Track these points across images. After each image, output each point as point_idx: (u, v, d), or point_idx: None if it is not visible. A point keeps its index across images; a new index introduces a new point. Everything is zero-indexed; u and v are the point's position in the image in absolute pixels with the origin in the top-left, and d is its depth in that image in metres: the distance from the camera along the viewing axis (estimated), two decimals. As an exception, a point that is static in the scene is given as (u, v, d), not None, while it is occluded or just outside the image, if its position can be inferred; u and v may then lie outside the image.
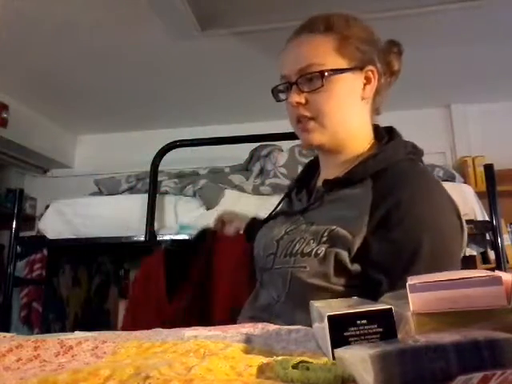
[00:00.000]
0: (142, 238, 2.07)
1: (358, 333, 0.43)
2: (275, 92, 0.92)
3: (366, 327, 0.43)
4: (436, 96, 3.59)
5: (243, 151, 2.54)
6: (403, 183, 0.79)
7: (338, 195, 0.84)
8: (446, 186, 2.52)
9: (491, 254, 2.36)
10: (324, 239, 0.78)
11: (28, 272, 2.55)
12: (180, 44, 2.76)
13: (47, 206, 2.43)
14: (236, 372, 0.42)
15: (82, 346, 0.51)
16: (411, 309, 0.44)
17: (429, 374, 0.33)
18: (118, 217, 2.18)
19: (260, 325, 0.66)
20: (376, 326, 0.43)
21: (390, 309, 0.44)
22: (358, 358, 0.36)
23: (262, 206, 2.27)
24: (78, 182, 3.71)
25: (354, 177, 0.84)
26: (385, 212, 0.76)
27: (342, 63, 0.84)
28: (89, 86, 3.36)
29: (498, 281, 0.43)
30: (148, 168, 2.22)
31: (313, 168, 1.01)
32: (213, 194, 2.18)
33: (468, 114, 3.72)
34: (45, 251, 2.52)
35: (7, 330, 2.06)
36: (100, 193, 2.49)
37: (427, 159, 3.18)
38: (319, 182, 0.92)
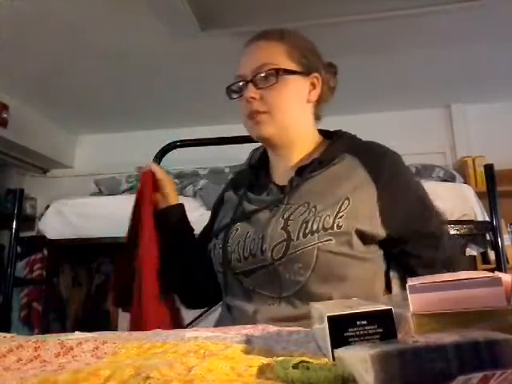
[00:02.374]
0: (142, 238, 2.06)
1: (358, 333, 0.43)
2: (229, 91, 1.00)
3: (365, 328, 0.43)
4: (436, 96, 3.59)
5: (243, 151, 2.53)
6: (386, 154, 0.94)
7: (321, 175, 0.92)
8: (447, 186, 2.50)
9: (491, 255, 2.35)
10: (341, 214, 0.85)
11: (28, 272, 2.55)
12: (180, 44, 2.76)
13: (47, 206, 2.43)
14: (236, 372, 0.42)
15: (83, 346, 0.51)
16: (411, 309, 0.44)
17: (429, 375, 0.33)
18: (118, 217, 2.17)
19: (260, 326, 0.66)
20: (376, 326, 0.43)
21: (390, 309, 0.44)
22: (358, 358, 0.36)
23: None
24: (78, 182, 3.71)
25: (330, 155, 0.94)
26: (387, 179, 0.89)
27: (292, 66, 0.94)
28: (89, 86, 3.36)
29: (497, 282, 0.43)
30: (148, 168, 2.22)
31: (257, 170, 1.07)
32: (213, 194, 2.18)
33: (468, 114, 3.72)
34: (45, 251, 2.52)
35: (7, 331, 2.06)
36: (100, 193, 2.49)
37: (427, 159, 3.19)
38: (277, 178, 1.00)
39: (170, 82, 3.30)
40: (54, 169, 4.28)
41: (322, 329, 0.46)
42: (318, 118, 1.03)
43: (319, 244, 0.83)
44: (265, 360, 0.44)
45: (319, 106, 1.02)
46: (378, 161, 0.92)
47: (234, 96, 0.99)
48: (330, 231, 0.84)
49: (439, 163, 2.86)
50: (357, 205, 0.86)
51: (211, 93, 3.50)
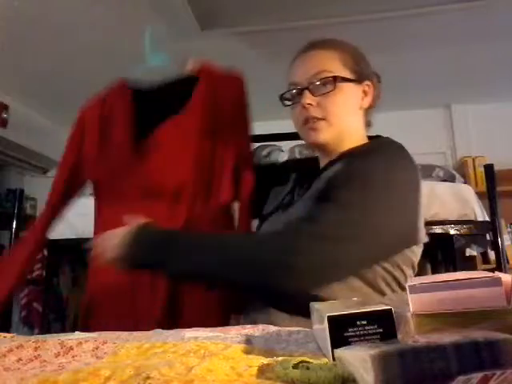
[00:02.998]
0: (142, 238, 2.06)
1: (358, 333, 0.43)
2: (282, 98, 1.01)
3: (366, 328, 0.43)
4: (436, 96, 3.59)
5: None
6: (370, 149, 0.95)
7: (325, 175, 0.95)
8: (446, 186, 2.49)
9: (491, 255, 2.36)
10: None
11: (28, 272, 2.55)
12: (180, 44, 2.75)
13: (47, 206, 2.42)
14: (236, 372, 0.42)
15: (83, 346, 0.51)
16: (411, 309, 0.44)
17: (429, 374, 0.33)
18: (118, 217, 2.17)
19: (260, 326, 0.66)
20: (376, 326, 0.43)
21: (390, 309, 0.44)
22: (359, 358, 0.36)
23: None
24: (78, 182, 3.70)
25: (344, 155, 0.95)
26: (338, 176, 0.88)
27: (347, 74, 0.97)
28: (89, 85, 3.36)
29: (497, 282, 0.43)
30: (148, 168, 2.22)
31: (312, 168, 1.06)
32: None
33: (468, 114, 3.72)
34: (45, 251, 2.52)
35: (7, 331, 2.06)
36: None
37: (427, 159, 3.19)
38: None
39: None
40: (54, 169, 4.28)
41: (322, 329, 0.46)
42: (368, 124, 1.05)
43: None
44: (265, 360, 0.44)
45: (369, 113, 1.04)
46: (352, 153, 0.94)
47: (288, 103, 1.00)
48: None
49: (439, 163, 2.86)
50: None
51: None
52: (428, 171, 2.62)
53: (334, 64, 0.96)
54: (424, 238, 0.92)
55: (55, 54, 2.90)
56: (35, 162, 4.07)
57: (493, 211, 2.14)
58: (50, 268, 2.51)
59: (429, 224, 2.16)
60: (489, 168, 2.25)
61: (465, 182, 2.64)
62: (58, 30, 2.62)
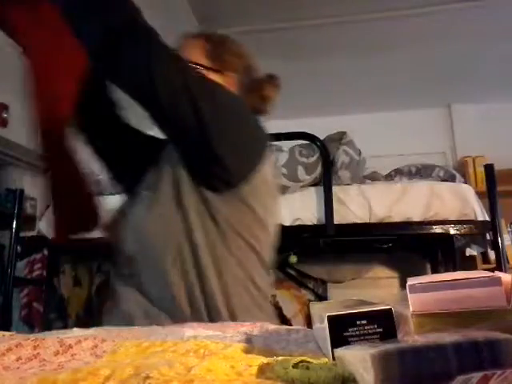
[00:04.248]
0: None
1: (357, 333, 0.43)
2: None
3: (365, 327, 0.43)
4: (436, 96, 3.59)
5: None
6: None
7: None
8: (447, 185, 2.50)
9: (491, 254, 2.36)
10: None
11: (28, 272, 2.56)
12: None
13: (47, 206, 2.43)
14: (236, 372, 0.42)
15: (82, 344, 0.51)
16: (411, 309, 0.44)
17: (429, 374, 0.33)
18: (118, 217, 2.17)
19: (259, 324, 0.66)
20: (376, 326, 0.43)
21: (390, 309, 0.44)
22: (359, 357, 0.36)
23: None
24: (78, 181, 3.70)
25: None
26: None
27: (205, 62, 0.99)
28: (89, 85, 3.36)
29: (497, 281, 0.43)
30: (148, 168, 2.22)
31: None
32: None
33: (468, 114, 3.72)
34: (45, 251, 2.52)
35: (8, 330, 2.05)
36: (100, 193, 2.48)
37: (428, 159, 3.19)
38: None
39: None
40: (54, 169, 4.28)
41: (322, 328, 0.46)
42: None
43: None
44: (265, 359, 0.44)
45: None
46: None
47: None
48: None
49: (439, 163, 2.86)
50: None
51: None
52: (428, 171, 2.62)
53: (195, 51, 1.00)
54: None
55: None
56: (35, 161, 4.06)
57: (493, 211, 2.14)
58: (50, 268, 2.51)
59: (429, 224, 2.17)
60: (489, 168, 2.25)
61: (465, 182, 2.64)
62: (58, 29, 2.62)
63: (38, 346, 0.51)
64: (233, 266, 0.87)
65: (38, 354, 0.49)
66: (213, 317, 0.83)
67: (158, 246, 0.86)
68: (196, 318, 0.82)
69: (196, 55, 1.00)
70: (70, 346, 0.51)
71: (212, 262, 0.84)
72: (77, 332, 0.63)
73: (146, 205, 0.90)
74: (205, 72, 0.97)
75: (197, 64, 0.97)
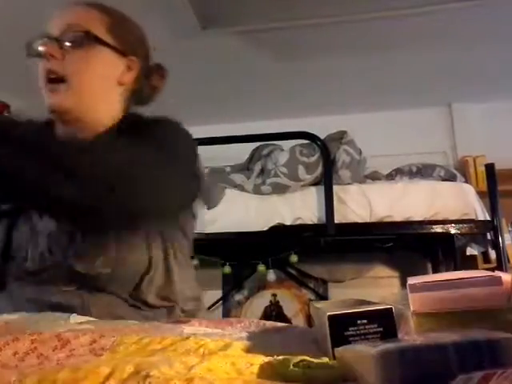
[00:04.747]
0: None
1: (358, 332, 0.43)
2: (29, 50, 0.85)
3: (366, 327, 0.43)
4: (437, 95, 3.58)
5: (244, 151, 2.53)
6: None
7: None
8: (447, 185, 2.50)
9: (492, 254, 2.36)
10: None
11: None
12: (180, 43, 2.76)
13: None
14: (237, 371, 0.42)
15: (80, 339, 0.51)
16: (411, 309, 0.44)
17: (429, 373, 0.33)
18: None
19: (255, 320, 0.66)
20: (376, 325, 0.43)
21: (391, 308, 0.44)
22: (359, 356, 0.36)
23: (262, 205, 2.28)
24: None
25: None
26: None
27: (107, 38, 0.84)
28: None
29: (497, 281, 0.43)
30: (148, 167, 2.22)
31: None
32: (213, 193, 2.19)
33: (469, 114, 3.71)
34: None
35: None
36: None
37: (428, 159, 3.18)
38: None
39: (170, 81, 3.29)
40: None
41: (323, 328, 0.46)
42: (139, 103, 0.95)
43: None
44: (265, 358, 0.44)
45: (133, 97, 0.92)
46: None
47: (32, 55, 0.84)
48: None
49: (440, 162, 2.86)
50: None
51: (211, 92, 3.51)
52: (429, 170, 2.62)
53: (94, 23, 0.83)
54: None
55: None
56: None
57: (493, 210, 2.15)
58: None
59: (429, 223, 2.17)
60: (490, 167, 2.25)
61: (466, 182, 2.64)
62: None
63: (35, 339, 0.50)
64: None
65: (35, 347, 0.49)
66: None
67: None
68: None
69: (95, 27, 0.83)
70: (68, 341, 0.50)
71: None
72: (74, 319, 0.63)
73: None
74: (103, 48, 0.83)
75: (97, 38, 0.81)
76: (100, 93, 0.85)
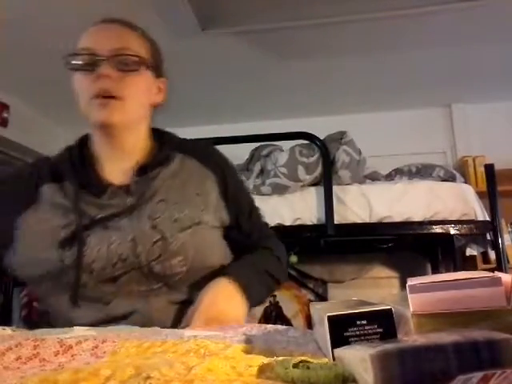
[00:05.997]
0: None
1: (358, 333, 0.43)
2: (68, 61, 0.91)
3: (366, 327, 0.43)
4: (436, 96, 3.59)
5: (244, 151, 2.53)
6: (214, 150, 1.03)
7: (163, 174, 0.92)
8: (447, 185, 2.49)
9: (492, 254, 2.36)
10: (202, 208, 0.91)
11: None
12: (180, 43, 2.76)
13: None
14: (236, 372, 0.42)
15: (82, 345, 0.51)
16: (411, 309, 0.44)
17: (428, 374, 0.33)
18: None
19: (257, 324, 0.66)
20: (376, 326, 0.43)
21: (390, 309, 0.44)
22: (358, 357, 0.36)
23: (262, 205, 2.28)
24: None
25: (165, 155, 0.95)
26: (232, 185, 0.98)
27: (151, 63, 0.92)
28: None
29: (497, 282, 0.43)
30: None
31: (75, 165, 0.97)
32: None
33: (469, 114, 3.72)
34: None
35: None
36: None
37: (428, 159, 3.18)
38: (110, 178, 0.92)
39: (170, 81, 3.29)
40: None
41: (322, 328, 0.46)
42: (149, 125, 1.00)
43: (195, 237, 0.87)
44: (265, 360, 0.44)
45: (154, 114, 0.99)
46: (210, 157, 0.99)
47: (74, 67, 0.90)
48: (201, 225, 0.89)
49: (440, 163, 2.86)
50: (209, 198, 0.93)
51: (211, 92, 3.52)
52: (428, 171, 2.62)
53: (140, 47, 0.90)
54: None
55: (56, 54, 2.89)
56: (35, 161, 4.06)
57: (493, 211, 2.15)
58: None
59: (429, 224, 2.17)
60: (489, 167, 2.25)
61: (465, 182, 2.64)
62: (59, 30, 2.62)
63: (37, 345, 0.51)
64: None
65: (37, 353, 0.49)
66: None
67: None
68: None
69: (143, 52, 0.90)
70: (70, 347, 0.51)
71: None
72: (77, 331, 0.63)
73: None
74: (147, 73, 0.91)
75: (147, 64, 0.90)
76: (140, 113, 0.93)
